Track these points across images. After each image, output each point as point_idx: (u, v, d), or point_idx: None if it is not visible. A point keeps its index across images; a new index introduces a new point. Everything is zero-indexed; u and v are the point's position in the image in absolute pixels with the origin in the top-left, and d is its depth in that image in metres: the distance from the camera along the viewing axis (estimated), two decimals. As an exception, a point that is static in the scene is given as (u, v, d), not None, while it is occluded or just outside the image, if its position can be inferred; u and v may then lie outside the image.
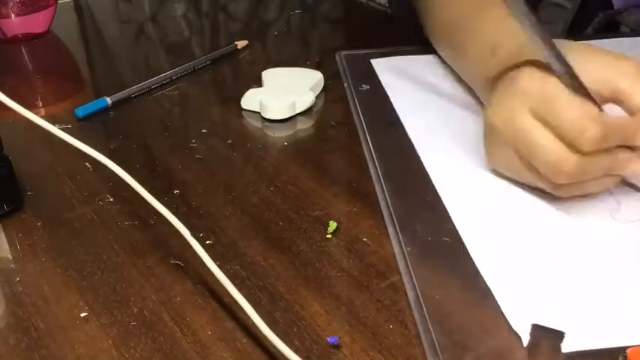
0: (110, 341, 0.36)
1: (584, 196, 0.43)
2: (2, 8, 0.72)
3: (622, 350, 0.33)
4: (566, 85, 0.40)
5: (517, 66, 0.43)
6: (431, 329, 0.35)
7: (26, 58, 0.73)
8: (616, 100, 0.41)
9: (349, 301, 0.38)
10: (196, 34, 0.78)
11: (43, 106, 0.63)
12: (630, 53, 0.44)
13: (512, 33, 0.46)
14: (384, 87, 0.59)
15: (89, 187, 0.48)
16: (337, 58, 0.66)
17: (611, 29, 0.72)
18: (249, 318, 0.35)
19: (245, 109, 0.59)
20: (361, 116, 0.55)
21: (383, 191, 0.46)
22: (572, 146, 0.39)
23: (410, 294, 0.37)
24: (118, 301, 0.38)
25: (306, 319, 0.37)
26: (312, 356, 0.35)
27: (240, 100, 0.59)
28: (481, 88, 0.52)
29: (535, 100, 0.41)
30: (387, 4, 0.84)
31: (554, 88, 0.40)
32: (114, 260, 0.42)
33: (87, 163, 0.51)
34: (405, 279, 0.38)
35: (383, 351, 0.35)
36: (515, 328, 0.34)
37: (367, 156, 0.50)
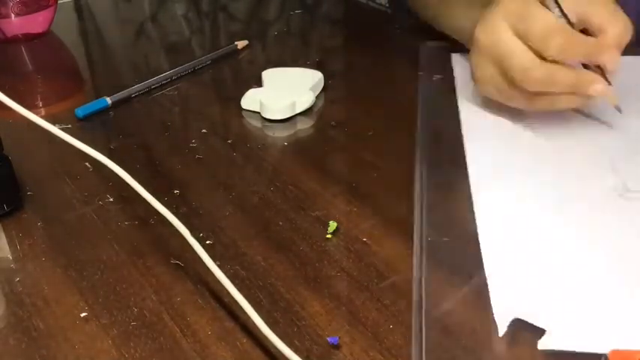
0: (110, 341, 0.36)
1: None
2: (2, 8, 0.72)
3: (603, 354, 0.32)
4: (546, 5, 0.46)
5: None
6: (423, 335, 0.35)
7: (26, 58, 0.74)
8: (587, 25, 0.48)
9: (349, 301, 0.38)
10: (196, 34, 0.78)
11: (43, 106, 0.63)
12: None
13: None
14: (455, 83, 0.59)
15: (89, 187, 0.48)
16: (421, 49, 0.65)
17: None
18: (249, 318, 0.35)
19: (245, 109, 0.59)
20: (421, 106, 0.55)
21: (421, 184, 0.45)
22: (539, 54, 0.46)
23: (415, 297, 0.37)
24: (118, 301, 0.38)
25: (306, 319, 0.37)
26: (312, 356, 0.35)
27: (240, 100, 0.59)
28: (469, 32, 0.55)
29: (514, 16, 0.47)
30: (387, 4, 0.84)
31: (532, 5, 0.46)
32: (114, 260, 0.42)
33: (87, 163, 0.51)
34: (415, 282, 0.38)
35: (383, 351, 0.35)
36: (496, 317, 0.35)
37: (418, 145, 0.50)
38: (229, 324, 0.37)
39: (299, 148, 0.54)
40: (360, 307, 0.37)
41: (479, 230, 0.41)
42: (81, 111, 0.58)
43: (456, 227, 0.42)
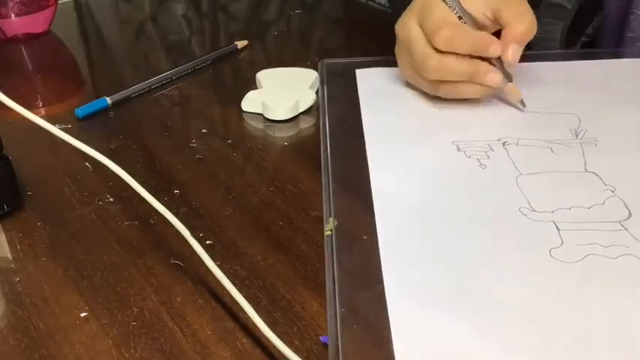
0: (110, 341, 0.36)
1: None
2: (2, 8, 0.72)
3: None
4: (450, 7, 0.51)
5: None
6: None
7: (26, 58, 0.74)
8: (499, 22, 0.51)
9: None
10: (196, 34, 0.79)
11: (43, 106, 0.63)
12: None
13: None
14: (359, 98, 0.57)
15: (89, 187, 0.49)
16: (319, 65, 0.63)
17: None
18: (249, 318, 0.35)
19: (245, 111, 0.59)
20: (327, 122, 0.53)
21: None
22: (433, 45, 0.50)
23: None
24: (118, 301, 0.38)
25: (306, 319, 0.37)
26: (312, 356, 0.35)
27: (240, 100, 0.59)
28: None
29: (420, 11, 0.52)
30: (387, 4, 0.84)
31: (433, 2, 0.51)
32: (114, 260, 0.42)
33: (87, 163, 0.51)
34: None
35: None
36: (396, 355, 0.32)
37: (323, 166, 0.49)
38: (229, 324, 0.37)
39: (299, 147, 0.54)
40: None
41: (382, 259, 0.39)
42: (81, 111, 0.58)
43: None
